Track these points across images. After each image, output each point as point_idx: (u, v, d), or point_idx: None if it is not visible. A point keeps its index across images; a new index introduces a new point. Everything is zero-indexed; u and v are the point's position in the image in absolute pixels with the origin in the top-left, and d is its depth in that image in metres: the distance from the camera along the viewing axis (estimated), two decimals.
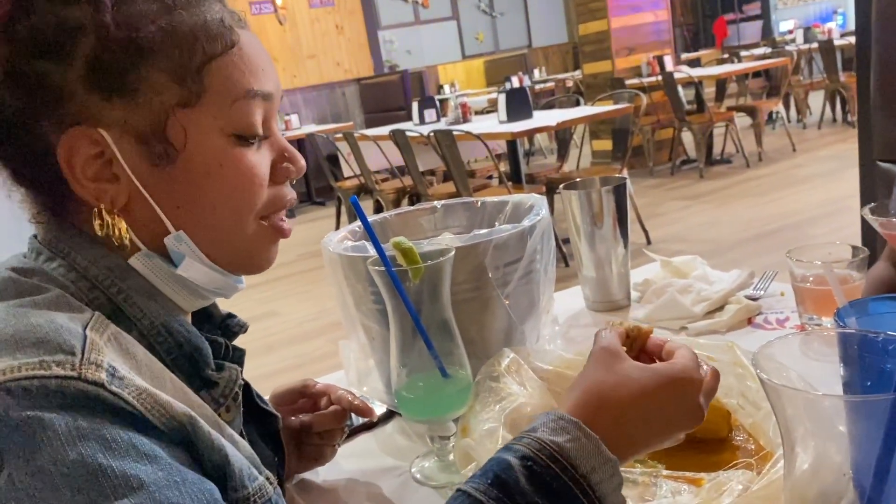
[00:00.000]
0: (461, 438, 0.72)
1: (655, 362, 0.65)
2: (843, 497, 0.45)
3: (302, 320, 4.34)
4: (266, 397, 0.86)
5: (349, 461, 0.88)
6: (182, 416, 0.51)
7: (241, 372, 0.75)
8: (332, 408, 0.85)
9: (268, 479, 0.57)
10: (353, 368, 1.01)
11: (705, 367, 0.64)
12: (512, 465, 0.53)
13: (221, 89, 0.60)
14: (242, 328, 0.76)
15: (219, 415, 0.60)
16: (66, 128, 0.56)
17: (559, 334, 1.08)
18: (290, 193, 0.68)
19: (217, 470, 0.53)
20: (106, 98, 0.56)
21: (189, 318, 0.68)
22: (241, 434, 0.65)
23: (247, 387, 0.75)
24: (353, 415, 0.96)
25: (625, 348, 0.65)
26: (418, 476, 0.81)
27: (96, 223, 0.59)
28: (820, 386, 0.48)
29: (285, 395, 0.86)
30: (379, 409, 0.97)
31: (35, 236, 0.62)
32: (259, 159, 0.63)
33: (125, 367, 0.51)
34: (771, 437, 0.70)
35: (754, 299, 1.15)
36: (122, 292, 0.59)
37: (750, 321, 1.10)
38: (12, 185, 0.60)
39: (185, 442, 0.51)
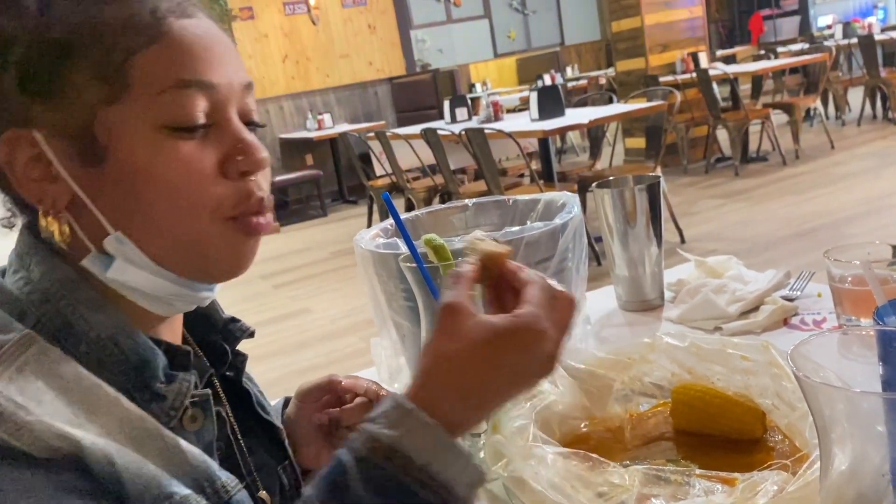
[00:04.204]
0: (491, 435, 0.72)
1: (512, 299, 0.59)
2: (883, 499, 0.45)
3: (334, 317, 4.37)
4: (292, 394, 0.86)
5: None
6: (61, 444, 0.50)
7: (242, 374, 0.75)
8: (358, 400, 0.84)
9: (216, 490, 0.57)
10: (385, 366, 1.01)
11: (556, 293, 0.59)
12: (347, 469, 0.52)
13: (148, 82, 0.58)
14: (245, 333, 0.75)
15: (177, 426, 0.60)
16: (2, 131, 0.57)
17: (591, 333, 1.08)
18: (259, 191, 0.63)
19: (141, 486, 0.52)
20: (35, 100, 0.57)
21: (176, 324, 0.68)
22: (210, 444, 0.64)
23: (247, 394, 0.75)
24: None
25: (475, 285, 0.60)
26: None
27: (41, 225, 0.59)
28: (857, 386, 0.47)
29: (311, 391, 0.85)
30: None
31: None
32: (199, 152, 0.60)
33: (28, 396, 0.52)
34: (807, 437, 0.69)
35: (790, 300, 1.13)
36: (70, 305, 0.58)
37: (786, 322, 1.09)
38: None
39: (79, 468, 0.51)
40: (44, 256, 0.60)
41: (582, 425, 0.82)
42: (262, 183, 0.65)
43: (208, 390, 0.65)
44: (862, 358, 0.50)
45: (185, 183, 0.59)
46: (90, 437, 0.52)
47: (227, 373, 0.75)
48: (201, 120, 0.60)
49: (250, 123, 0.66)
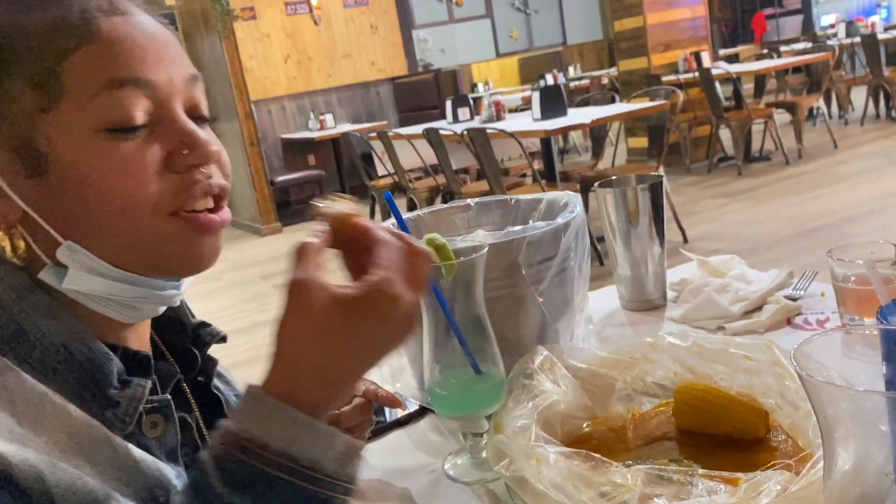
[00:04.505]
0: (494, 435, 0.72)
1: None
2: (886, 498, 0.44)
3: None
4: None
5: (382, 458, 0.89)
6: None
7: (212, 379, 0.74)
8: (356, 401, 0.84)
9: (170, 498, 0.57)
10: (387, 365, 1.01)
11: (409, 249, 0.57)
12: (205, 469, 0.51)
13: (82, 85, 0.57)
14: (215, 337, 0.75)
15: (136, 433, 0.60)
16: None
17: (593, 333, 1.07)
18: (203, 179, 0.61)
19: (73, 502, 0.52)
20: None
21: (142, 330, 0.68)
22: (174, 450, 0.64)
23: (217, 399, 0.74)
24: (386, 411, 0.97)
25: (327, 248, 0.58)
26: (451, 473, 0.82)
27: None
28: (861, 385, 0.47)
29: None
30: (412, 406, 0.97)
31: None
32: (141, 151, 0.58)
33: None
34: (810, 437, 0.68)
35: (794, 299, 1.13)
36: (23, 311, 0.58)
37: (789, 321, 1.08)
38: None
39: (8, 485, 0.50)
40: None
41: (584, 425, 0.82)
42: (217, 175, 0.63)
43: (167, 396, 0.65)
44: (865, 357, 0.50)
45: (124, 183, 0.58)
46: (21, 453, 0.51)
47: (199, 378, 0.74)
48: (140, 119, 0.59)
49: (199, 118, 0.64)
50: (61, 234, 0.59)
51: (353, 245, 0.60)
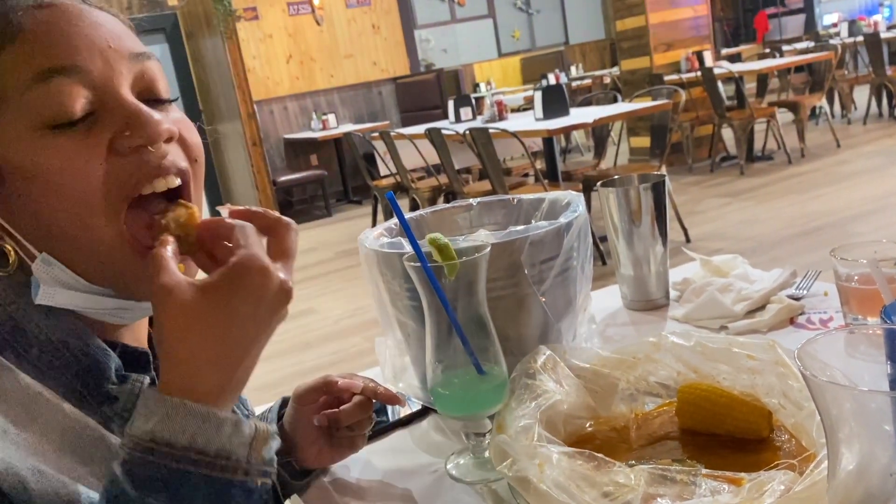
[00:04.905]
0: (497, 435, 0.72)
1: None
2: (891, 498, 0.44)
3: (339, 317, 4.37)
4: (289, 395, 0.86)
5: (385, 457, 0.89)
6: None
7: None
8: (356, 398, 0.83)
9: None
10: (389, 365, 1.01)
11: (269, 222, 0.57)
12: (116, 477, 0.51)
13: (12, 84, 0.55)
14: None
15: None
16: None
17: (596, 333, 1.07)
18: (152, 160, 0.58)
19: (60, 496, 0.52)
20: None
21: (137, 327, 0.68)
22: None
23: None
24: (389, 411, 0.97)
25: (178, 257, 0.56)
26: (454, 472, 0.82)
27: None
28: (865, 385, 0.47)
29: (307, 393, 0.84)
30: (414, 406, 0.97)
31: None
32: (83, 142, 0.56)
33: None
34: (814, 437, 0.68)
35: (797, 299, 1.13)
36: (20, 309, 0.58)
37: (792, 321, 1.08)
38: None
39: None
40: None
41: (587, 425, 0.81)
42: (176, 154, 0.60)
43: None
44: (869, 357, 0.50)
45: (72, 180, 0.56)
46: (7, 460, 0.51)
47: None
48: (80, 109, 0.56)
49: (155, 100, 0.61)
50: (34, 245, 0.58)
51: (210, 245, 0.59)
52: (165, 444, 0.50)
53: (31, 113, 0.56)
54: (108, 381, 0.60)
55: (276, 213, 0.59)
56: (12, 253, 0.59)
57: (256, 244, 0.55)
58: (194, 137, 0.64)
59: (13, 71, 0.56)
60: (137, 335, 0.68)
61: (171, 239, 0.57)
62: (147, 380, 0.62)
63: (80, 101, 0.56)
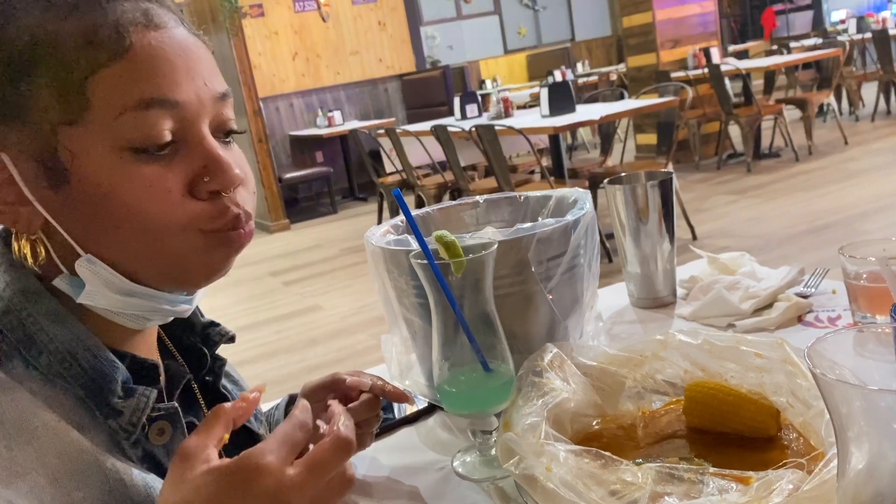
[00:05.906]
0: (503, 433, 0.72)
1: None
2: None
3: (345, 314, 4.38)
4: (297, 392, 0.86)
5: (392, 455, 0.89)
6: None
7: (220, 379, 0.74)
8: (363, 396, 0.83)
9: None
10: (396, 362, 1.01)
11: (298, 422, 0.56)
12: None
13: (109, 101, 0.56)
14: (224, 337, 0.75)
15: (142, 440, 0.60)
16: None
17: (603, 331, 1.07)
18: (235, 208, 0.61)
19: None
20: (1, 121, 0.56)
21: (149, 334, 0.68)
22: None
23: (225, 399, 0.74)
24: (395, 408, 0.97)
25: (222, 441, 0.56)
26: (460, 470, 0.82)
27: (14, 245, 0.60)
28: (874, 383, 0.46)
29: (315, 391, 0.83)
30: (421, 404, 0.97)
31: None
32: (163, 173, 0.58)
33: None
34: (822, 436, 0.68)
35: (805, 297, 1.12)
36: (31, 316, 0.58)
37: (800, 319, 1.08)
38: None
39: None
40: (7, 266, 0.60)
41: (594, 423, 0.81)
42: (241, 198, 0.63)
43: (174, 404, 0.64)
44: (878, 355, 0.50)
45: (150, 206, 0.57)
46: (5, 494, 0.51)
47: (207, 377, 0.74)
48: (166, 139, 0.58)
49: (228, 132, 0.64)
50: (81, 245, 0.59)
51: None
52: None
53: (119, 134, 0.56)
54: (113, 394, 0.59)
55: (337, 426, 0.57)
56: (42, 253, 0.60)
57: (283, 444, 0.54)
58: (247, 169, 0.66)
59: (112, 89, 0.56)
60: (147, 341, 0.68)
61: (219, 425, 0.57)
62: (154, 393, 0.62)
63: (168, 132, 0.58)
